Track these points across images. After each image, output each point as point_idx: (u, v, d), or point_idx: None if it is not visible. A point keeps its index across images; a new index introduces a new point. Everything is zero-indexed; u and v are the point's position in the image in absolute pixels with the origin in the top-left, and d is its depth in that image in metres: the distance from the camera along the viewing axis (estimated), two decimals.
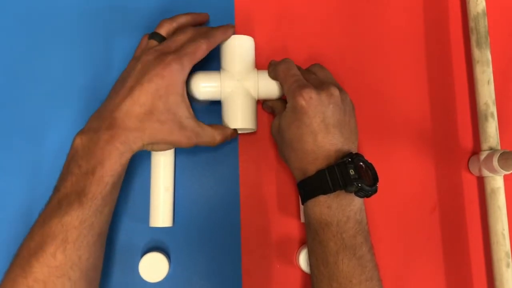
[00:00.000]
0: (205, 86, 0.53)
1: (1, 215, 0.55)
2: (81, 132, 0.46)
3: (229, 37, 0.53)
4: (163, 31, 0.52)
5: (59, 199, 0.44)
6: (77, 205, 0.43)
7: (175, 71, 0.47)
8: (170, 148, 0.51)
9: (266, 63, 0.55)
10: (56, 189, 0.45)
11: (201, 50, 0.49)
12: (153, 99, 0.46)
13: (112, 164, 0.45)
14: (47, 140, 0.56)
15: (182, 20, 0.54)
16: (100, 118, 0.47)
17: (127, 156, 0.46)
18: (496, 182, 0.56)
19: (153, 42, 0.51)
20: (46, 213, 0.44)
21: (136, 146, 0.46)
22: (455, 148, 0.60)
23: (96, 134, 0.45)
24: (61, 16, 0.58)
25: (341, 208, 0.46)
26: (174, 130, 0.48)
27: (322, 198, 0.46)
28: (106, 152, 0.44)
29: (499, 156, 0.54)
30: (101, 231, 0.46)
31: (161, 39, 0.51)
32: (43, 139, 0.56)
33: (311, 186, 0.47)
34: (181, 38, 0.50)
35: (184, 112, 0.48)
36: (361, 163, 0.47)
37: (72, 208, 0.43)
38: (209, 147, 0.52)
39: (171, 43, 0.50)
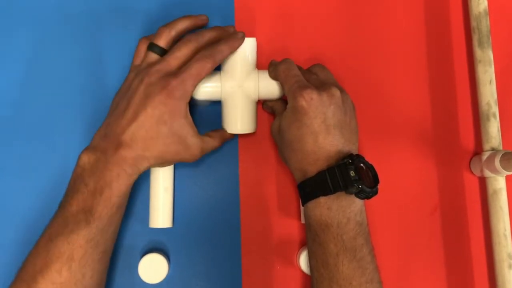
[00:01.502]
0: (205, 87, 0.52)
1: (1, 216, 0.55)
2: (88, 150, 0.47)
3: (235, 50, 0.52)
4: (162, 42, 0.50)
5: (66, 217, 0.45)
6: (84, 224, 0.44)
7: (178, 97, 0.47)
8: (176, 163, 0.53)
9: (266, 63, 0.55)
10: (62, 205, 0.46)
11: (206, 70, 0.48)
12: (157, 125, 0.47)
13: (119, 185, 0.46)
14: (48, 141, 0.56)
15: (181, 26, 0.52)
16: (107, 139, 0.47)
17: (134, 177, 0.47)
18: (498, 182, 0.56)
19: (153, 56, 0.50)
20: (52, 230, 0.45)
21: (143, 167, 0.47)
22: (456, 149, 0.60)
23: (103, 155, 0.46)
24: (61, 16, 0.58)
25: (341, 209, 0.46)
26: (180, 151, 0.49)
27: (322, 200, 0.46)
28: (114, 174, 0.45)
29: (501, 157, 0.53)
30: (106, 249, 0.47)
31: (161, 51, 0.50)
32: (44, 139, 0.56)
33: (311, 187, 0.47)
34: (184, 53, 0.49)
35: (188, 132, 0.49)
36: (362, 164, 0.46)
37: (79, 227, 0.44)
38: None
39: (173, 60, 0.49)
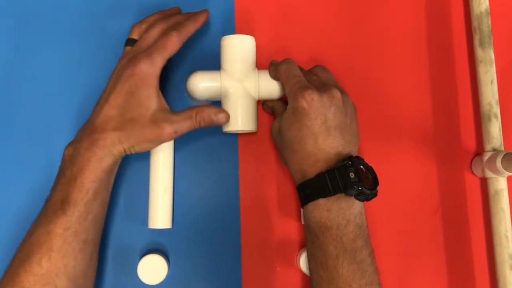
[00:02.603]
0: (204, 86, 0.52)
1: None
2: (69, 143, 0.48)
3: (203, 22, 0.53)
4: (135, 35, 0.53)
5: (46, 209, 0.46)
6: (60, 212, 0.44)
7: (144, 66, 0.47)
8: (155, 146, 0.50)
9: (266, 63, 0.55)
10: (46, 199, 0.47)
11: (172, 42, 0.49)
12: (126, 98, 0.47)
13: (92, 170, 0.46)
14: (46, 140, 0.56)
15: (152, 18, 0.54)
16: (85, 128, 0.48)
17: (108, 161, 0.46)
18: (500, 183, 0.56)
19: (127, 48, 0.52)
20: (34, 223, 0.46)
21: (116, 149, 0.47)
22: (457, 149, 0.60)
23: (79, 143, 0.47)
24: (61, 16, 0.58)
25: (341, 211, 0.46)
26: (147, 124, 0.47)
27: (321, 201, 0.46)
28: (85, 159, 0.46)
29: (502, 157, 0.53)
30: (87, 238, 0.46)
31: (135, 43, 0.52)
32: (42, 139, 0.56)
33: (310, 189, 0.47)
34: (151, 34, 0.51)
35: (156, 104, 0.48)
36: (362, 166, 0.46)
37: (56, 216, 0.44)
38: (210, 145, 0.53)
39: (142, 42, 0.50)
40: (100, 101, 0.49)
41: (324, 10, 0.61)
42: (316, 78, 0.52)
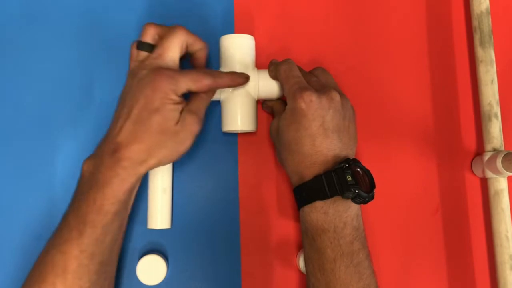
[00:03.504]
0: None
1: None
2: (88, 158, 0.46)
3: (236, 85, 0.51)
4: (149, 37, 0.49)
5: (62, 228, 0.44)
6: (77, 234, 0.43)
7: (167, 83, 0.45)
8: (186, 148, 0.48)
9: (266, 62, 0.55)
10: (64, 215, 0.45)
11: (203, 82, 0.47)
12: (150, 114, 0.45)
13: (113, 191, 0.44)
14: (46, 141, 0.55)
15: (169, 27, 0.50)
16: (106, 143, 0.46)
17: (131, 181, 0.45)
18: (500, 183, 0.56)
19: (142, 54, 0.49)
20: (49, 243, 0.45)
21: (141, 170, 0.45)
22: (458, 149, 0.60)
23: (100, 159, 0.45)
24: (61, 15, 0.58)
25: (337, 214, 0.46)
26: (178, 129, 0.46)
27: (318, 204, 0.46)
28: (107, 179, 0.44)
29: (502, 157, 0.53)
30: (104, 260, 0.45)
31: (149, 47, 0.49)
32: (42, 140, 0.56)
33: (307, 192, 0.47)
34: (172, 43, 0.47)
35: (178, 113, 0.46)
36: (359, 169, 0.46)
37: (71, 237, 0.43)
38: (209, 145, 0.53)
39: (162, 51, 0.47)
40: (120, 114, 0.46)
41: (324, 9, 0.60)
42: (315, 80, 0.52)
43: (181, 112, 0.46)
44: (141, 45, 0.49)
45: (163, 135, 0.45)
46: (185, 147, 0.47)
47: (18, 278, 0.46)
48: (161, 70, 0.46)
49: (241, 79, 0.51)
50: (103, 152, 0.45)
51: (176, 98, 0.46)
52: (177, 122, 0.46)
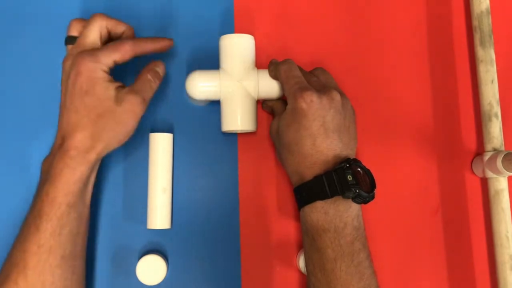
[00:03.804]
0: (203, 86, 0.52)
1: None
2: (45, 158, 0.48)
3: (163, 49, 0.51)
4: (74, 31, 0.50)
5: (22, 226, 0.45)
6: (34, 229, 0.44)
7: (89, 62, 0.45)
8: (130, 132, 0.48)
9: (266, 62, 0.55)
10: (25, 217, 0.46)
11: (124, 49, 0.47)
12: (82, 98, 0.45)
13: (64, 182, 0.44)
14: (42, 142, 0.55)
15: (92, 16, 0.50)
16: (56, 139, 0.47)
17: (82, 170, 0.45)
18: (500, 183, 0.55)
19: (69, 47, 0.50)
20: (14, 242, 0.45)
21: (91, 154, 0.45)
22: (458, 149, 0.59)
23: (52, 156, 0.46)
24: (60, 15, 0.57)
25: (338, 214, 0.46)
26: (115, 110, 0.45)
27: (319, 204, 0.46)
28: (57, 171, 0.44)
29: (503, 157, 0.53)
30: (65, 253, 0.45)
31: (73, 40, 0.49)
32: (40, 140, 0.55)
33: (308, 192, 0.47)
34: (92, 30, 0.48)
35: (113, 90, 0.46)
36: (359, 169, 0.46)
37: (29, 233, 0.44)
38: (209, 145, 0.53)
39: (83, 39, 0.48)
40: (60, 110, 0.47)
41: (324, 9, 0.60)
42: (316, 80, 0.52)
43: (117, 90, 0.46)
44: (67, 40, 0.50)
45: (102, 118, 0.45)
46: (129, 128, 0.47)
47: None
48: (80, 53, 0.46)
49: (164, 42, 0.51)
50: (54, 148, 0.46)
51: (103, 75, 0.46)
52: (115, 102, 0.46)
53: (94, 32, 0.48)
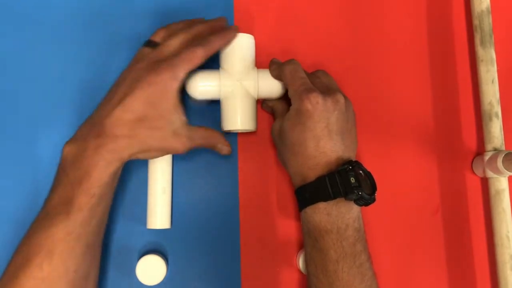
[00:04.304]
0: (203, 86, 0.52)
1: None
2: (70, 141, 0.46)
3: (230, 41, 0.52)
4: (158, 38, 0.51)
5: (47, 211, 0.44)
6: (64, 216, 0.43)
7: (167, 79, 0.46)
8: (163, 155, 0.50)
9: (266, 62, 0.55)
10: (46, 199, 0.45)
11: (196, 57, 0.47)
12: (144, 106, 0.45)
13: (99, 174, 0.44)
14: (43, 141, 0.55)
15: (177, 27, 0.52)
16: (90, 126, 0.46)
17: (116, 165, 0.45)
18: (501, 183, 0.55)
19: (147, 50, 0.50)
20: (34, 225, 0.45)
21: (125, 154, 0.45)
22: (458, 149, 0.59)
23: (84, 142, 0.45)
24: (60, 14, 0.57)
25: (340, 215, 0.46)
26: (167, 136, 0.47)
27: (321, 205, 0.46)
28: (93, 162, 0.44)
29: (503, 157, 0.53)
30: (90, 243, 0.45)
31: (154, 44, 0.50)
32: (40, 139, 0.55)
33: (310, 193, 0.47)
34: (175, 42, 0.49)
35: (177, 119, 0.47)
36: (361, 171, 0.46)
37: (58, 219, 0.43)
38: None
39: (164, 48, 0.49)
40: (112, 99, 0.46)
41: (324, 9, 0.60)
42: (319, 81, 0.52)
43: (180, 121, 0.47)
44: (147, 43, 0.50)
45: (151, 131, 0.46)
46: (161, 154, 0.48)
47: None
48: (159, 62, 0.46)
49: (231, 34, 0.51)
50: (88, 135, 0.45)
51: (175, 95, 0.46)
52: (172, 131, 0.47)
53: (177, 44, 0.49)
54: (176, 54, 0.47)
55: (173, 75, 0.46)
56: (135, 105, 0.45)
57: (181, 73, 0.46)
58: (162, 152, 0.48)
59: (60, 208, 0.43)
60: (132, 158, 0.46)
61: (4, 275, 0.43)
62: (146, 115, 0.45)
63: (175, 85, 0.46)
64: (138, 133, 0.45)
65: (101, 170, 0.44)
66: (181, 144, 0.47)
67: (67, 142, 0.46)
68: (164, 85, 0.46)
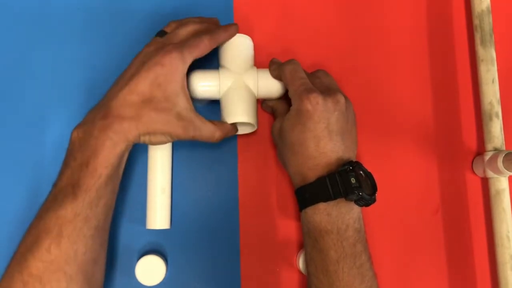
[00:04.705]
0: (203, 86, 0.52)
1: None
2: (78, 126, 0.46)
3: (232, 36, 0.53)
4: (169, 29, 0.52)
5: (55, 193, 0.44)
6: (71, 197, 0.43)
7: (175, 59, 0.46)
8: (168, 141, 0.49)
9: (266, 62, 0.55)
10: (54, 184, 0.45)
11: (203, 44, 0.48)
12: (151, 87, 0.45)
13: (105, 154, 0.44)
14: (46, 138, 0.55)
15: (188, 19, 0.53)
16: (97, 110, 0.46)
17: (122, 146, 0.45)
18: (501, 183, 0.55)
19: (157, 38, 0.50)
20: (43, 208, 0.44)
21: (131, 135, 0.45)
22: (458, 149, 0.59)
23: (91, 125, 0.45)
24: (60, 14, 0.57)
25: (340, 216, 0.46)
26: (172, 120, 0.46)
27: (322, 206, 0.46)
28: (99, 142, 0.44)
29: (503, 157, 0.53)
30: (98, 225, 0.45)
31: (165, 34, 0.51)
32: (42, 137, 0.55)
33: (310, 193, 0.47)
34: (183, 32, 0.50)
35: (183, 102, 0.47)
36: (361, 172, 0.46)
37: (66, 201, 0.43)
38: (208, 144, 0.51)
39: (173, 36, 0.50)
40: (119, 82, 0.47)
41: (324, 9, 0.60)
42: (319, 81, 0.52)
43: (188, 104, 0.47)
44: (159, 33, 0.51)
45: (157, 113, 0.46)
46: (167, 139, 0.48)
47: (8, 246, 0.45)
48: (168, 45, 0.47)
49: (232, 30, 0.52)
50: (95, 117, 0.45)
51: (183, 77, 0.47)
52: (176, 114, 0.47)
53: (185, 33, 0.50)
54: (184, 40, 0.48)
55: (180, 56, 0.46)
56: (141, 86, 0.45)
57: (188, 57, 0.47)
58: (166, 136, 0.48)
59: (67, 189, 0.43)
60: (138, 142, 0.46)
61: (13, 258, 0.43)
62: (152, 97, 0.45)
63: (181, 67, 0.46)
64: (143, 114, 0.45)
65: (108, 150, 0.44)
66: (183, 129, 0.47)
67: (75, 127, 0.46)
68: (171, 66, 0.46)
